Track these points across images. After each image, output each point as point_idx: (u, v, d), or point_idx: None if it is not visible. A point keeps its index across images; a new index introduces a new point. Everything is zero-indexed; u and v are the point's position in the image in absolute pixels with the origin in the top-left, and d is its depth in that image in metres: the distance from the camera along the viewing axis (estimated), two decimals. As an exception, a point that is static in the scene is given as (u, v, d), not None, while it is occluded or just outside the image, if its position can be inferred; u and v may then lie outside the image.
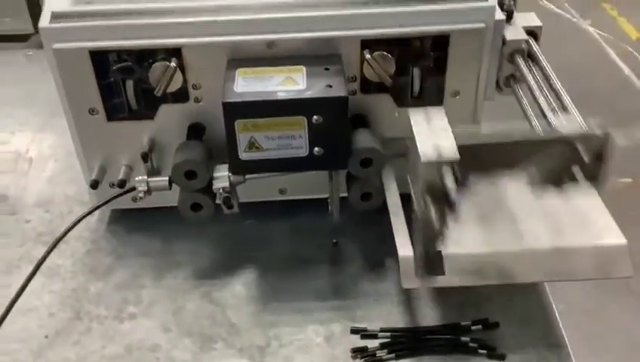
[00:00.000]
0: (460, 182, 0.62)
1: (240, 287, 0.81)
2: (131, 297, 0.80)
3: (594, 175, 0.65)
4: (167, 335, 0.76)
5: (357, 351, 0.72)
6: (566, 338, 0.74)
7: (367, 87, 0.80)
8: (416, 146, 0.65)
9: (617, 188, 2.41)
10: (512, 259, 0.71)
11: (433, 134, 0.67)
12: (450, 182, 0.61)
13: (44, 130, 1.10)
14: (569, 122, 0.68)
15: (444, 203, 0.62)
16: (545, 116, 0.72)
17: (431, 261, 0.71)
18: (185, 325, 0.77)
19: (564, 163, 0.65)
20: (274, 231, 0.88)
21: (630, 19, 3.45)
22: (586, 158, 0.63)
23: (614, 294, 1.97)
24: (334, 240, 0.86)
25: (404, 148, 0.72)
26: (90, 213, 0.80)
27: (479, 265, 0.71)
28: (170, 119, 0.80)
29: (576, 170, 0.65)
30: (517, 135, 0.66)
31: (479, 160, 0.66)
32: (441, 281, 0.70)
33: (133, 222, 0.90)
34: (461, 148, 0.63)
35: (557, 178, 0.66)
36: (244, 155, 0.73)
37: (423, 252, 0.68)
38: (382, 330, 0.75)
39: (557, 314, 0.77)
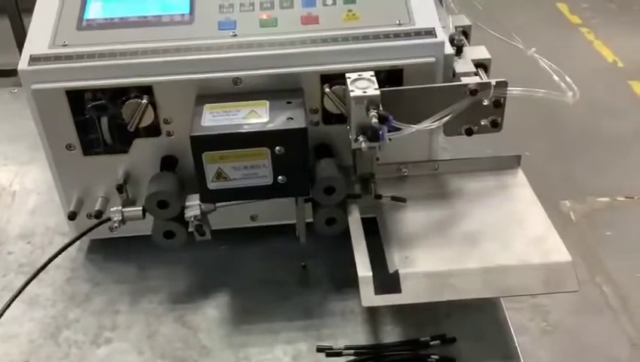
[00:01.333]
0: (384, 122, 0.73)
1: (212, 310, 0.85)
2: (108, 322, 0.84)
3: (495, 121, 0.82)
4: (141, 357, 0.79)
5: None
6: (519, 351, 0.78)
7: (329, 118, 0.85)
8: (349, 91, 0.75)
9: (596, 208, 2.47)
10: (466, 276, 0.76)
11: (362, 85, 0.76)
12: (375, 120, 0.73)
13: (28, 164, 1.14)
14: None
15: (372, 136, 0.74)
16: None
17: (389, 279, 0.75)
18: (158, 348, 0.80)
19: (472, 112, 0.80)
20: (246, 256, 0.93)
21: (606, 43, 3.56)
22: (486, 103, 0.79)
23: (595, 312, 2.02)
24: (303, 264, 0.91)
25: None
26: (67, 247, 0.84)
27: (434, 283, 0.75)
28: (144, 152, 0.85)
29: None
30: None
31: (401, 106, 0.77)
32: (398, 299, 0.74)
33: (110, 250, 0.94)
34: (384, 93, 0.75)
35: (467, 125, 0.82)
36: (212, 185, 0.78)
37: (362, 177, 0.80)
38: (346, 348, 0.78)
39: (512, 328, 0.81)
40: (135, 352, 0.80)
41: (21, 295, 0.86)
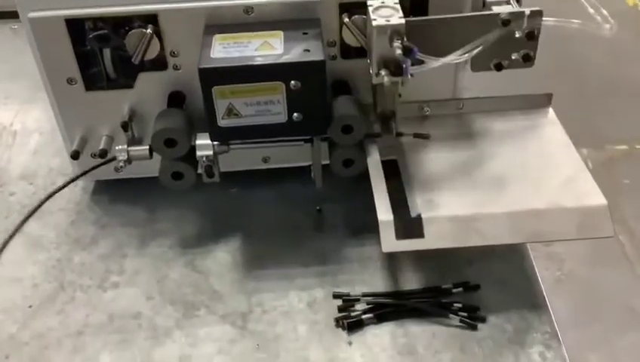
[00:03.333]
0: (409, 54, 0.68)
1: (224, 255, 0.81)
2: (115, 266, 0.81)
3: (527, 55, 0.75)
4: (150, 302, 0.76)
5: (339, 318, 0.73)
6: (547, 300, 0.74)
7: (348, 51, 0.79)
8: (370, 20, 0.69)
9: (614, 156, 2.41)
10: (494, 220, 0.71)
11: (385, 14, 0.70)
12: (399, 52, 0.67)
13: (30, 103, 1.09)
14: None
15: (395, 70, 0.69)
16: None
17: (411, 224, 0.71)
18: (168, 293, 0.77)
19: (502, 44, 0.74)
20: (258, 199, 0.88)
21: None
22: (518, 35, 0.73)
23: (611, 261, 1.98)
24: (318, 207, 0.87)
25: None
26: (68, 183, 0.80)
27: (459, 228, 0.71)
28: (150, 88, 0.80)
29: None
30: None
31: (427, 37, 0.71)
32: (421, 244, 0.70)
33: (117, 192, 0.90)
34: (408, 23, 0.69)
35: (496, 60, 0.76)
36: (222, 122, 0.73)
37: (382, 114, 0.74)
38: (364, 295, 0.75)
39: (539, 276, 0.77)
40: (144, 297, 0.77)
41: (24, 237, 0.83)
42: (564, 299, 1.92)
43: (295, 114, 0.72)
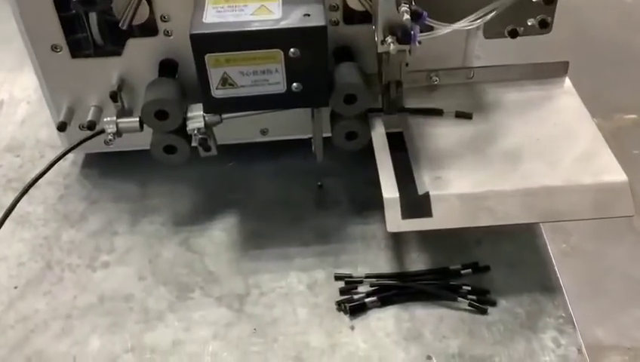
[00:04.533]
0: (417, 19, 0.63)
1: (219, 233, 0.77)
2: (105, 245, 0.77)
3: (544, 21, 0.71)
4: (142, 283, 0.72)
5: (341, 301, 0.69)
6: (561, 282, 0.70)
7: (351, 16, 0.74)
8: None
9: (623, 126, 2.36)
10: (506, 199, 0.67)
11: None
12: (407, 16, 0.62)
13: (17, 71, 1.04)
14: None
15: (402, 37, 0.63)
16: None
17: (418, 202, 0.67)
18: (161, 273, 0.73)
19: (518, 9, 0.69)
20: (256, 174, 0.84)
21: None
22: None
23: (619, 234, 1.95)
24: (319, 183, 0.83)
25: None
26: (56, 161, 0.75)
27: (470, 206, 0.67)
28: (139, 55, 0.75)
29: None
30: None
31: (437, 1, 0.66)
32: (429, 224, 0.66)
33: (108, 165, 0.86)
34: None
35: (511, 26, 0.71)
36: (217, 93, 0.68)
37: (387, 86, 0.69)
38: (367, 276, 0.71)
39: (552, 257, 0.73)
40: (135, 277, 0.73)
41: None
42: (570, 272, 1.88)
43: (294, 84, 0.68)
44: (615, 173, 0.68)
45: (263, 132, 0.83)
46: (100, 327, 0.68)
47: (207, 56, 0.65)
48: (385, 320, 0.67)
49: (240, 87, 0.68)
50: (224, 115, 0.72)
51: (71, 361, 0.65)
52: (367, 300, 0.68)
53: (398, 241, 0.75)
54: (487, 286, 0.70)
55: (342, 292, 0.70)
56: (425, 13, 0.63)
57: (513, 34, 0.72)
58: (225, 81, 0.67)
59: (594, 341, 1.69)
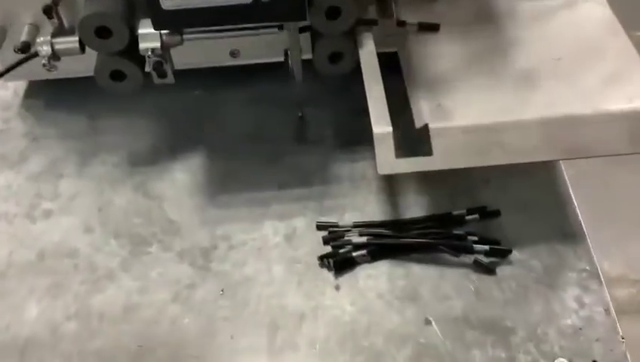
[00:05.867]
0: None
1: (182, 175, 0.70)
2: (48, 189, 0.69)
3: None
4: (89, 236, 0.65)
5: (324, 255, 0.60)
6: (584, 228, 0.61)
7: None
8: None
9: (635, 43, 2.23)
10: (520, 131, 0.58)
11: None
12: None
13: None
14: None
15: None
16: None
17: (416, 137, 0.57)
18: (112, 224, 0.66)
19: None
20: (226, 104, 0.76)
21: None
22: None
23: (630, 161, 1.86)
24: (299, 113, 0.74)
25: None
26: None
27: (477, 141, 0.58)
28: (77, -40, 0.63)
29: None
30: None
31: None
32: (428, 164, 0.57)
33: (54, 95, 0.78)
34: None
35: None
36: (167, 3, 0.56)
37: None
38: (355, 225, 0.63)
39: (574, 199, 0.63)
40: (81, 229, 0.65)
41: None
42: (577, 199, 1.81)
43: (263, -8, 0.56)
44: (654, 98, 0.58)
45: (233, 53, 0.74)
46: (39, 290, 0.61)
47: (151, -43, 0.53)
48: (376, 277, 0.60)
49: (196, -3, 0.56)
50: (185, 35, 0.62)
51: (3, 330, 0.57)
52: (354, 254, 0.61)
53: (391, 183, 0.67)
54: (497, 235, 0.61)
55: (325, 243, 0.62)
56: None
57: None
58: (177, -11, 0.55)
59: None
